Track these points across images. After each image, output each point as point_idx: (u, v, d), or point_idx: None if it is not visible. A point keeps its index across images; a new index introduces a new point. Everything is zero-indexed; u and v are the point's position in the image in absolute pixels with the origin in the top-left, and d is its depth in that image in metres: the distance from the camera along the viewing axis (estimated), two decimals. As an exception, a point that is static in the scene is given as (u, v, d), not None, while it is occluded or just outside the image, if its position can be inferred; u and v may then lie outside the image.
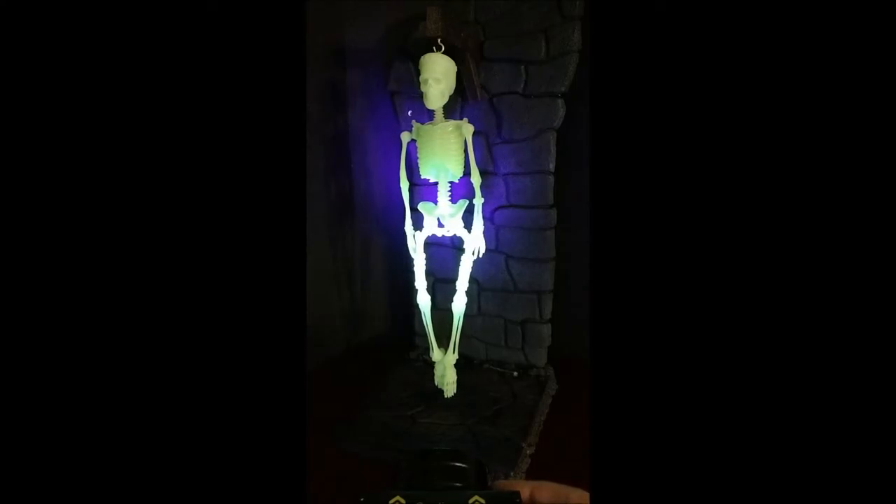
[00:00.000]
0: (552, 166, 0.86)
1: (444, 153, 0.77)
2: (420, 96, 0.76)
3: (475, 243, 0.81)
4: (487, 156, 0.89)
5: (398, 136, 0.82)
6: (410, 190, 0.84)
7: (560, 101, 0.83)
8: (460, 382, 0.87)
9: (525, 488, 0.23)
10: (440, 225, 0.83)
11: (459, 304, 0.82)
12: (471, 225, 0.81)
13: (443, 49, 0.74)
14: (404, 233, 0.85)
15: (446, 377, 0.85)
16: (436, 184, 0.80)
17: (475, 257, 0.82)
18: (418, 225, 0.84)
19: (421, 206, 0.83)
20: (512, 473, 0.70)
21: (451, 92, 0.77)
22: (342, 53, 1.05)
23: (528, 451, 0.75)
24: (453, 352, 0.84)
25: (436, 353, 0.85)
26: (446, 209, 0.80)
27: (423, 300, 0.84)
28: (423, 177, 0.81)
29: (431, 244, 0.93)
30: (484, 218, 0.81)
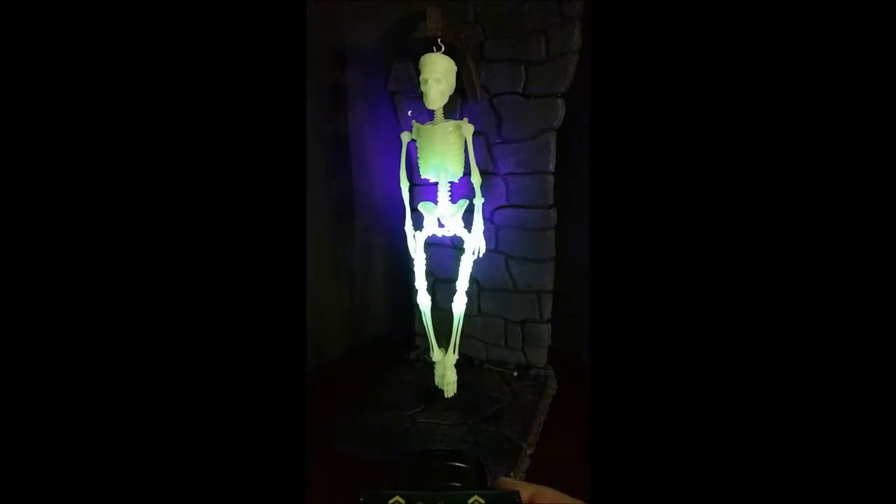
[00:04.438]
0: (552, 166, 0.86)
1: (444, 153, 0.77)
2: (420, 96, 0.76)
3: (475, 243, 0.81)
4: (487, 156, 0.89)
5: (398, 136, 0.82)
6: (410, 190, 0.84)
7: (560, 101, 0.83)
8: (460, 382, 0.87)
9: (526, 491, 0.23)
10: (440, 225, 0.83)
11: (459, 304, 0.82)
12: (471, 225, 0.81)
13: (443, 49, 0.74)
14: (404, 233, 0.85)
15: (446, 377, 0.85)
16: (436, 184, 0.80)
17: (475, 257, 0.82)
18: (418, 225, 0.84)
19: (421, 206, 0.83)
20: (512, 473, 0.70)
21: (451, 92, 0.77)
22: (342, 53, 1.05)
23: (528, 451, 0.75)
24: (453, 352, 0.84)
25: (436, 353, 0.85)
26: (446, 209, 0.80)
27: (424, 300, 0.84)
28: (423, 177, 0.81)
29: (431, 244, 0.93)
30: (484, 218, 0.81)
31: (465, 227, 0.82)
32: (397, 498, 0.22)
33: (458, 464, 0.25)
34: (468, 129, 0.77)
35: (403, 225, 0.85)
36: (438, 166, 0.77)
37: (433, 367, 0.87)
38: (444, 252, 0.97)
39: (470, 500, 0.22)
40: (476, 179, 0.79)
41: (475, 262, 0.83)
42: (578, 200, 0.93)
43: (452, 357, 0.84)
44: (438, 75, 0.74)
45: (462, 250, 0.82)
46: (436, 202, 0.81)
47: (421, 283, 0.85)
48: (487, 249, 0.84)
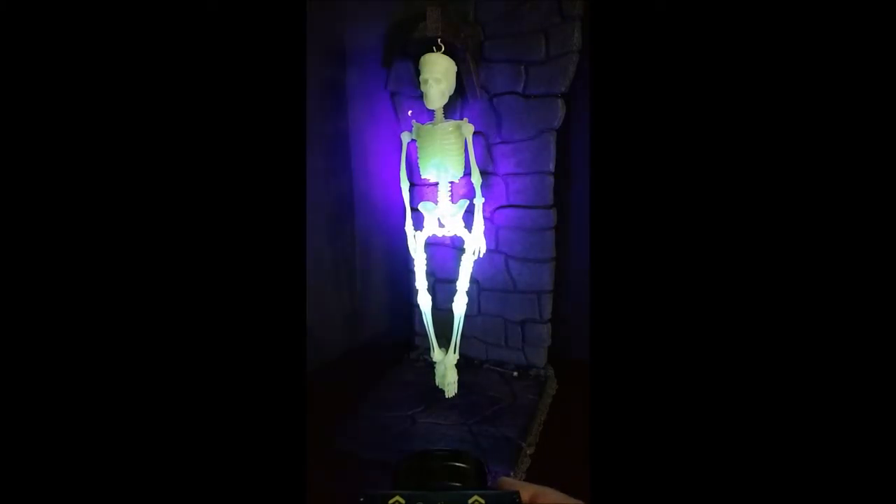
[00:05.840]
0: (552, 166, 0.86)
1: (444, 153, 0.77)
2: (420, 96, 0.76)
3: (475, 243, 0.81)
4: (487, 156, 0.89)
5: (398, 136, 0.82)
6: (410, 190, 0.84)
7: (560, 101, 0.83)
8: (460, 382, 0.87)
9: (526, 491, 0.23)
10: (440, 225, 0.83)
11: (460, 304, 0.82)
12: (471, 225, 0.81)
13: (443, 49, 0.74)
14: (404, 233, 0.85)
15: (447, 377, 0.85)
16: (436, 184, 0.80)
17: (475, 257, 0.82)
18: (418, 225, 0.84)
19: (421, 206, 0.83)
20: (512, 473, 0.70)
21: (451, 92, 0.77)
22: (342, 53, 1.05)
23: (528, 451, 0.75)
24: (454, 352, 0.84)
25: (436, 354, 0.85)
26: (446, 209, 0.80)
27: (424, 300, 0.84)
28: (423, 177, 0.81)
29: (431, 244, 0.93)
30: (484, 218, 0.81)
31: (466, 227, 0.82)
32: (397, 498, 0.22)
33: (458, 464, 0.25)
34: (468, 129, 0.77)
35: (403, 225, 0.85)
36: (438, 166, 0.78)
37: (433, 368, 0.87)
38: (445, 252, 0.97)
39: (470, 500, 0.22)
40: (476, 179, 0.79)
41: (475, 262, 0.83)
42: (578, 200, 0.93)
43: (453, 357, 0.84)
44: (438, 75, 0.74)
45: (462, 250, 0.82)
46: (436, 202, 0.81)
47: (421, 283, 0.85)
48: (487, 249, 0.84)
